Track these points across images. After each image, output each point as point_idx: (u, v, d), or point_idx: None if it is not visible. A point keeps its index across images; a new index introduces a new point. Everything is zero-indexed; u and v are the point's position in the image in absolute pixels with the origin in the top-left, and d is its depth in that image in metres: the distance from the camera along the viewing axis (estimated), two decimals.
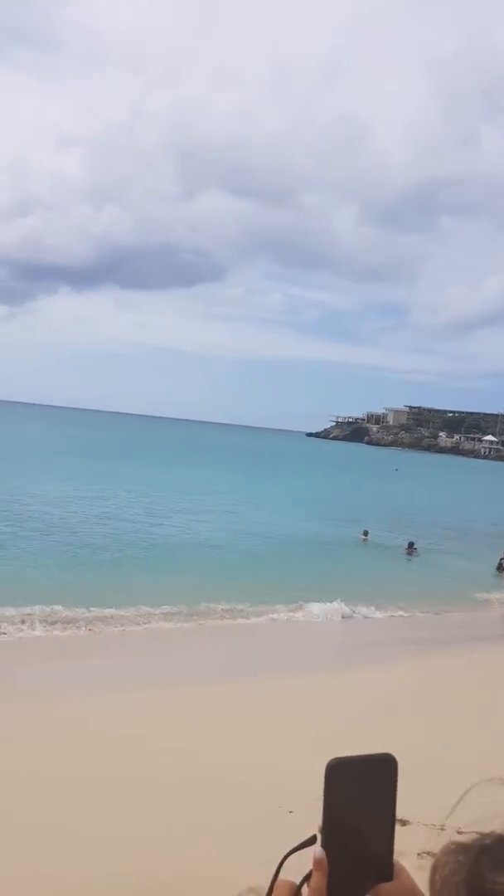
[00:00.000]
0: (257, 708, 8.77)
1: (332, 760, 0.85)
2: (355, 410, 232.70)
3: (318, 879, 0.84)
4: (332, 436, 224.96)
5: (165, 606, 13.79)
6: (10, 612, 12.21)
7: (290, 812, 5.63)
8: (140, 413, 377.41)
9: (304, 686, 9.99)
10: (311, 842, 0.87)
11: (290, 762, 6.89)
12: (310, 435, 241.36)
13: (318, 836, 0.86)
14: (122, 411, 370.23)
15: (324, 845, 0.85)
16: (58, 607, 12.81)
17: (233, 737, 7.58)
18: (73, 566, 17.44)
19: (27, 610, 12.44)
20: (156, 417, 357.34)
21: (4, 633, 11.43)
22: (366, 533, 27.21)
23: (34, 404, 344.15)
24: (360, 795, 0.86)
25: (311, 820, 0.88)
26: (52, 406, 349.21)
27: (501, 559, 23.38)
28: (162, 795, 5.98)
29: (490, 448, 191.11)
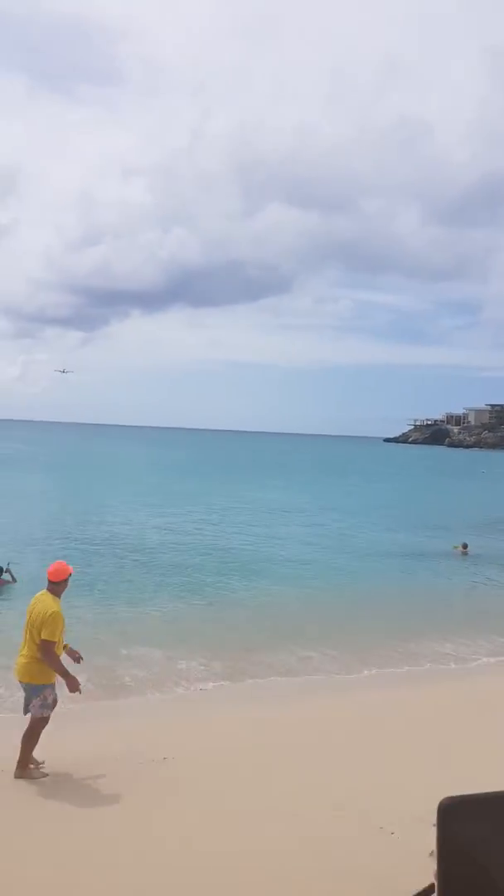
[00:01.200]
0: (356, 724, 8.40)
1: (445, 800, 0.74)
2: (434, 412, 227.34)
3: None
4: (410, 440, 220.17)
5: None
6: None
7: (392, 833, 5.41)
8: (217, 428, 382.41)
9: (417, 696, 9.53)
10: (429, 891, 0.77)
11: (391, 778, 6.53)
12: (388, 440, 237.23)
13: (435, 885, 0.75)
14: (199, 427, 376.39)
15: None
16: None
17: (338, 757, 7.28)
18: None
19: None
20: (233, 431, 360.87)
21: None
22: (465, 546, 24.07)
23: (114, 425, 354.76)
24: (483, 840, 0.72)
25: (413, 841, 0.64)
26: (131, 426, 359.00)
27: None
28: (270, 819, 5.81)
29: None
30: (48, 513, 30.66)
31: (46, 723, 6.79)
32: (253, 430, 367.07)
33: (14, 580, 16.38)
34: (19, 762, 6.71)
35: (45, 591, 6.85)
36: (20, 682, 6.87)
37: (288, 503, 38.84)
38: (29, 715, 6.78)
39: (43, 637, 6.52)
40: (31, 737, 6.73)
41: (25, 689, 6.81)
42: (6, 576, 16.44)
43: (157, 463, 75.60)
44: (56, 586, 6.83)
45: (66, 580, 6.90)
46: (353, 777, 6.67)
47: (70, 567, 7.00)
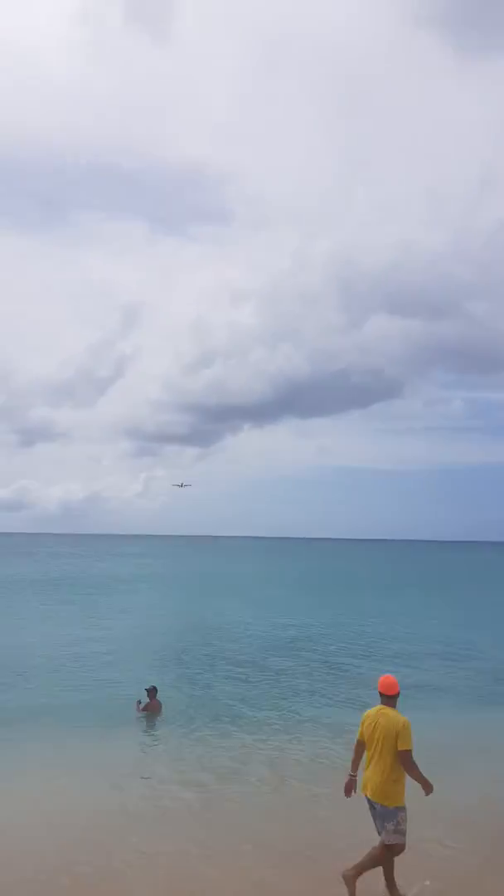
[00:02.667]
0: None
1: None
2: None
3: None
4: None
5: None
6: None
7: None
8: (331, 536, 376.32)
9: None
10: None
11: None
12: None
13: None
14: (313, 536, 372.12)
15: None
16: None
17: None
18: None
19: None
20: (350, 540, 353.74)
21: None
22: None
23: (229, 537, 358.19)
24: None
25: None
26: (245, 537, 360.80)
27: None
28: None
29: None
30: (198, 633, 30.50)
31: (398, 851, 6.85)
32: (368, 538, 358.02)
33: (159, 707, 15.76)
34: (356, 867, 6.87)
35: (380, 706, 7.05)
36: (373, 800, 6.93)
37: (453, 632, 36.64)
38: (381, 838, 6.90)
39: (401, 748, 6.69)
40: (376, 858, 6.83)
41: (379, 811, 6.90)
42: (145, 698, 15.90)
43: (298, 579, 74.76)
44: (390, 699, 7.04)
45: (398, 693, 7.09)
46: None
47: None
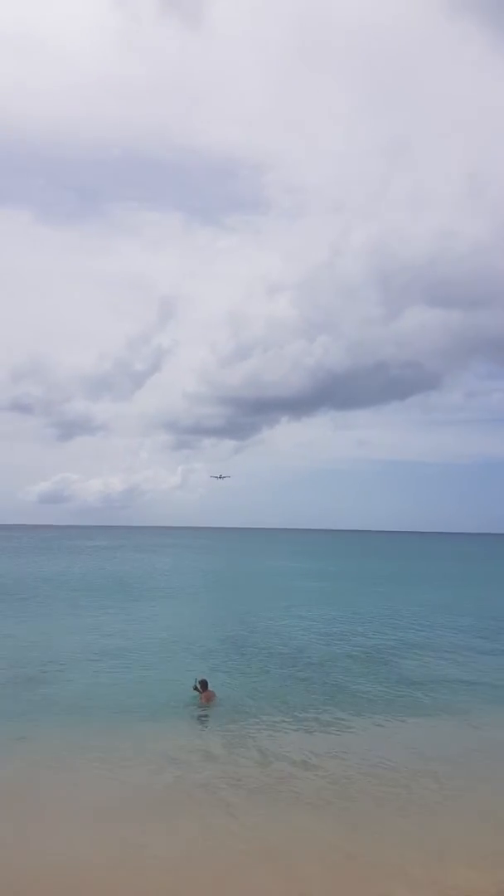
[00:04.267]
0: None
1: None
2: None
3: None
4: None
5: None
6: None
7: None
8: (375, 529, 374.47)
9: None
10: None
11: None
12: None
13: None
14: (351, 528, 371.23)
15: None
16: None
17: None
18: None
19: None
20: (392, 532, 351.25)
21: None
22: None
23: (267, 528, 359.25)
24: None
25: None
26: (283, 529, 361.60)
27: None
28: None
29: None
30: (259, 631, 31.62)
31: None
32: (407, 530, 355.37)
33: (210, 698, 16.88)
34: None
35: None
36: None
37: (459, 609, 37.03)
38: None
39: None
40: None
41: None
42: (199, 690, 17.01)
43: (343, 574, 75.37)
44: None
45: None
46: None
47: None
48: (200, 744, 14.12)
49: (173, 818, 10.41)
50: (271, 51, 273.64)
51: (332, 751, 13.74)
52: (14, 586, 45.40)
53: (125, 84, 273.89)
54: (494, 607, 39.95)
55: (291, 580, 57.51)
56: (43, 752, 13.20)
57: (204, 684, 17.22)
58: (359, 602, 40.91)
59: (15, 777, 12.12)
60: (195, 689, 17.10)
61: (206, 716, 16.08)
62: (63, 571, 60.99)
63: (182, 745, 13.90)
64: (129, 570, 65.14)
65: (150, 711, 16.17)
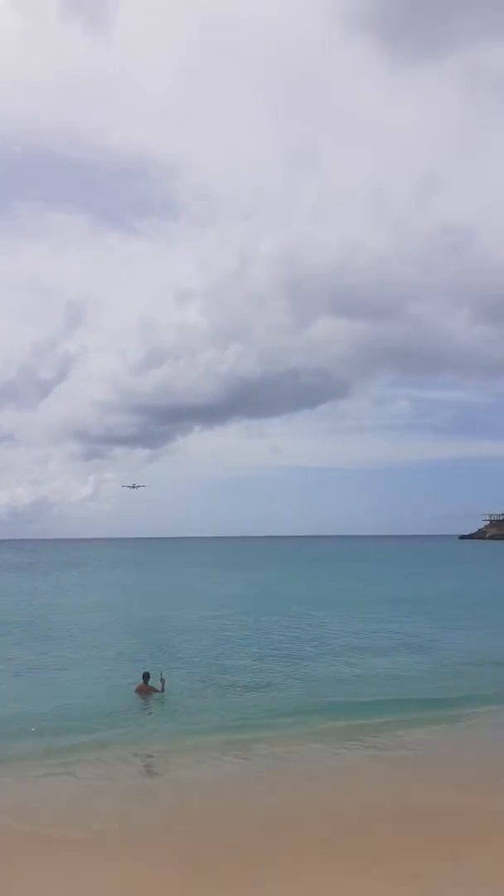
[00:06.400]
0: None
1: None
2: None
3: None
4: (487, 535, 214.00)
5: None
6: None
7: None
8: (288, 534, 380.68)
9: None
10: None
11: None
12: (463, 537, 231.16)
13: None
14: (270, 534, 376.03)
15: None
16: None
17: None
18: None
19: None
20: (305, 537, 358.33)
21: None
22: None
23: (184, 538, 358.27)
24: None
25: None
26: (200, 538, 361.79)
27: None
28: None
29: None
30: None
31: None
32: (322, 534, 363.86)
33: (163, 690, 18.16)
34: None
35: None
36: None
37: (361, 602, 39.78)
38: None
39: None
40: None
41: None
42: (157, 683, 18.30)
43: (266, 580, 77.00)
44: None
45: None
46: None
47: None
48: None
49: None
50: (178, 56, 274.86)
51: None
52: None
53: (27, 83, 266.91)
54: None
55: (211, 586, 58.90)
56: None
57: (145, 677, 18.55)
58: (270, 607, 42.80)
59: None
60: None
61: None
62: None
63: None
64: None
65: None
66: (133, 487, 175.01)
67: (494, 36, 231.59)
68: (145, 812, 10.89)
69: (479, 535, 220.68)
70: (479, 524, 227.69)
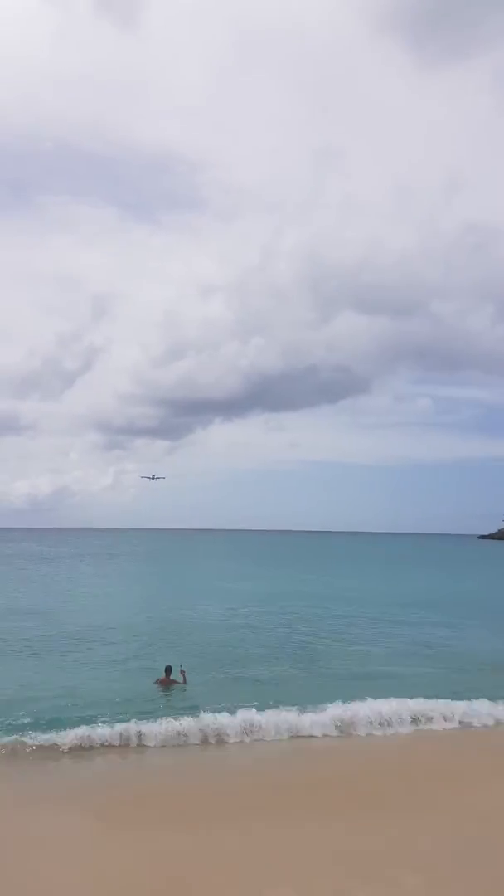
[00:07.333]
0: None
1: None
2: None
3: None
4: None
5: None
6: None
7: None
8: (306, 529, 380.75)
9: None
10: None
11: None
12: (482, 537, 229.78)
13: None
14: (288, 529, 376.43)
15: None
16: None
17: None
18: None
19: None
20: (323, 532, 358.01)
21: None
22: None
23: (202, 529, 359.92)
24: None
25: None
26: (217, 530, 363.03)
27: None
28: None
29: None
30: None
31: None
32: (341, 530, 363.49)
33: (185, 681, 18.81)
34: None
35: None
36: None
37: (378, 599, 40.15)
38: None
39: None
40: None
41: None
42: (178, 675, 18.94)
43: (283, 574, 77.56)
44: None
45: None
46: None
47: None
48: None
49: None
50: (208, 52, 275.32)
51: None
52: None
53: (59, 77, 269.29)
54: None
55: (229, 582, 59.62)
56: None
57: (167, 670, 19.17)
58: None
59: None
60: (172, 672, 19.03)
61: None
62: None
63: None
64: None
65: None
66: (152, 478, 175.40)
67: None
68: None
69: (498, 536, 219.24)
70: (499, 524, 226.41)
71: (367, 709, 15.97)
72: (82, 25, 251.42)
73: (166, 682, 18.88)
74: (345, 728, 15.34)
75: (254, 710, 15.60)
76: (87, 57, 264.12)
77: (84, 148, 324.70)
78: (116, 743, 14.05)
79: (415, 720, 15.95)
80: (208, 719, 15.00)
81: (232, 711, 15.44)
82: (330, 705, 16.05)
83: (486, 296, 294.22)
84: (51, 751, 13.55)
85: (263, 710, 15.75)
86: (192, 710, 15.56)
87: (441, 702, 16.85)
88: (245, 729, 14.86)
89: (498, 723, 16.37)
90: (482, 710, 16.63)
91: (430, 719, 16.07)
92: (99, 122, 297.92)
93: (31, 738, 13.86)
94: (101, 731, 14.23)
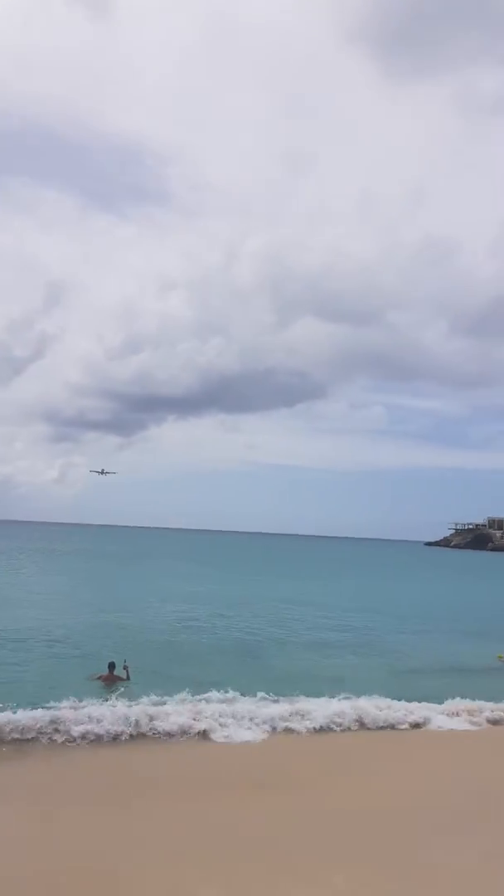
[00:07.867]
0: None
1: None
2: (476, 516, 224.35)
3: None
4: (452, 544, 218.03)
5: None
6: None
7: None
8: (256, 531, 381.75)
9: None
10: None
11: None
12: (429, 544, 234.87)
13: None
14: (238, 530, 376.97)
15: None
16: None
17: None
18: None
19: None
20: (271, 535, 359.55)
21: None
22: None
23: (150, 528, 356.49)
24: None
25: None
26: (166, 528, 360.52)
27: None
28: None
29: None
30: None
31: None
32: (290, 533, 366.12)
33: (128, 678, 18.74)
34: None
35: None
36: None
37: (322, 602, 40.95)
38: None
39: None
40: None
41: None
42: (121, 672, 18.92)
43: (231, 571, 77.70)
44: None
45: None
46: None
47: None
48: None
49: None
50: (181, 43, 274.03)
51: None
52: None
53: (26, 60, 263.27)
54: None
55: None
56: None
57: (111, 666, 19.17)
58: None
59: None
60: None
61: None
62: None
63: None
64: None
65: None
66: (102, 473, 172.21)
67: (487, 60, 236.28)
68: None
69: (443, 543, 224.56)
70: (445, 532, 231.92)
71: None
72: (53, 8, 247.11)
73: (110, 679, 18.87)
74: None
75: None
76: (59, 40, 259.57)
77: (52, 131, 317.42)
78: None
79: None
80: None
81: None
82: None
83: (442, 309, 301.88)
84: None
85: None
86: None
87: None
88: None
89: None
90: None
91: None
92: (68, 107, 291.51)
93: None
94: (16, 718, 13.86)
